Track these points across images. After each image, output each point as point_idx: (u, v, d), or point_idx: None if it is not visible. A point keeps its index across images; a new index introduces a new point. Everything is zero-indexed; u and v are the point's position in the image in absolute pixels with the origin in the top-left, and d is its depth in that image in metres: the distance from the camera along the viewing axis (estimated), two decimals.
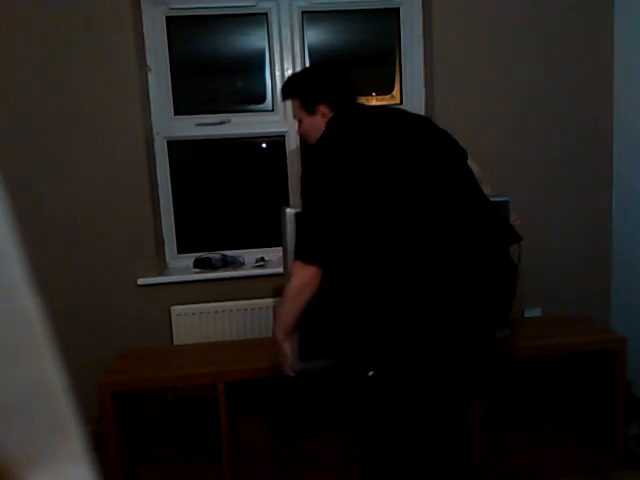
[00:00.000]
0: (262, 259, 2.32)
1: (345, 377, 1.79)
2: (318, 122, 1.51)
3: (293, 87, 1.59)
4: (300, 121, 1.58)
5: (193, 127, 2.27)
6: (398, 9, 2.31)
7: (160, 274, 2.20)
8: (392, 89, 2.39)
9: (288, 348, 1.40)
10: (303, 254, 1.28)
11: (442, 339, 1.24)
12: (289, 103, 1.64)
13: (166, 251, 2.32)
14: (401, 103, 2.36)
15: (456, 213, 1.28)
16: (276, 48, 2.27)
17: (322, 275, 1.28)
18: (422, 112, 2.30)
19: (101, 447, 1.72)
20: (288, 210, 1.48)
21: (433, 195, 1.27)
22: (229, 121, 2.29)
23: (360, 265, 1.29)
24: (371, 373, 1.31)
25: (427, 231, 1.24)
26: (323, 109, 1.50)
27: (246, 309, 2.20)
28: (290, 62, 2.27)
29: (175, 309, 2.18)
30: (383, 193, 1.26)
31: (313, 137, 1.51)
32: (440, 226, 1.25)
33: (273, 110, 2.31)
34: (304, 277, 1.27)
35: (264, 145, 2.39)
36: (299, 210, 1.37)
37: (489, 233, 1.31)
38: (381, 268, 1.26)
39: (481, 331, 1.31)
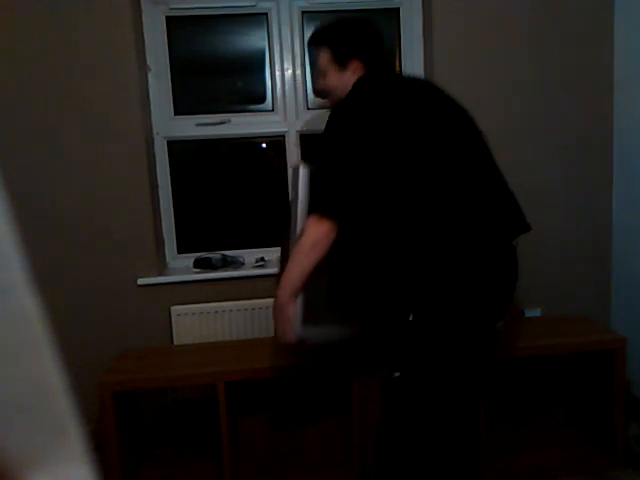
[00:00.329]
0: (262, 259, 2.32)
1: (347, 362, 1.79)
2: (347, 79, 1.38)
3: (327, 35, 1.43)
4: (324, 75, 1.44)
5: (193, 127, 2.27)
6: (398, 9, 2.31)
7: (160, 274, 2.20)
8: None
9: (292, 311, 1.31)
10: (320, 207, 1.22)
11: (458, 317, 1.23)
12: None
13: (166, 251, 2.32)
14: None
15: (475, 189, 1.26)
16: (276, 48, 2.27)
17: (336, 234, 1.22)
18: None
19: (101, 447, 1.72)
20: (302, 167, 1.36)
21: (455, 165, 1.25)
22: (229, 121, 2.29)
23: (373, 228, 1.26)
24: (397, 374, 1.28)
25: (446, 202, 1.22)
26: (355, 65, 1.38)
27: (246, 309, 2.20)
28: (290, 62, 2.27)
29: (175, 309, 2.18)
30: (407, 157, 1.23)
31: (337, 95, 1.40)
32: (459, 198, 1.23)
33: (273, 110, 2.31)
34: (318, 232, 1.21)
35: (264, 145, 2.39)
36: (313, 168, 1.30)
37: (502, 217, 1.30)
38: (395, 233, 1.24)
39: (493, 317, 1.30)
